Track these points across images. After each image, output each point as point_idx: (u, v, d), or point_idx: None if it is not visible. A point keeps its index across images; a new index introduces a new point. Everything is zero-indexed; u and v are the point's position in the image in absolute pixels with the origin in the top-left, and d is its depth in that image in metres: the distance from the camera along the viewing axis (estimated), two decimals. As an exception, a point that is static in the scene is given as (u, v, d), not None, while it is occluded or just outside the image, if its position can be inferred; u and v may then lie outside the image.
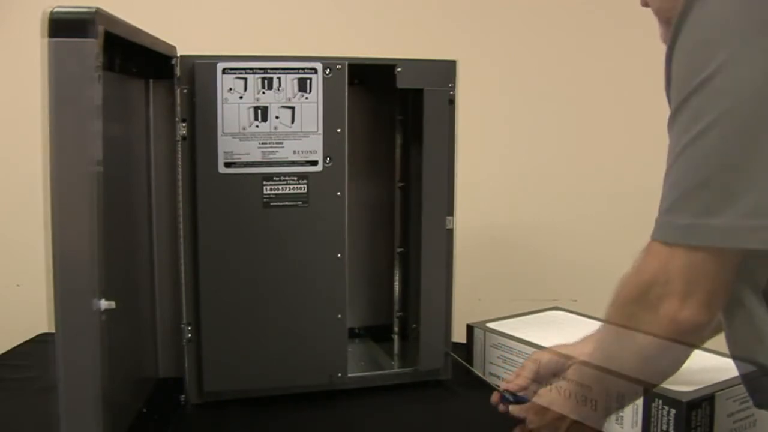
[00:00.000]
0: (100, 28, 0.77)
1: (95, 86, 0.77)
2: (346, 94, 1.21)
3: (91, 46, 0.76)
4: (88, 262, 0.79)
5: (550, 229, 1.65)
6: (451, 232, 1.31)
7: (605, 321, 0.80)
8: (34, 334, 1.47)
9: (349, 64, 1.22)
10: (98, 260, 0.79)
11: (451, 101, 1.28)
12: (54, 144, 0.77)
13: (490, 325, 1.36)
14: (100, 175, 0.79)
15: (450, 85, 1.27)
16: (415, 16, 1.86)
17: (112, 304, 0.81)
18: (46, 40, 0.76)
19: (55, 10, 0.76)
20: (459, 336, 1.37)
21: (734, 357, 0.77)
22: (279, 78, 1.19)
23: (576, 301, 1.58)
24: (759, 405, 0.82)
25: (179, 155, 1.19)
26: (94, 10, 0.76)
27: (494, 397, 1.05)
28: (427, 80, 1.26)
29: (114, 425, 0.91)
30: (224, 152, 1.18)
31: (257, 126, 1.19)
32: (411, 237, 1.39)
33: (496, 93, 1.83)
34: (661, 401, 0.97)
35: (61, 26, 0.75)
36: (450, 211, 1.31)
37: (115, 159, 1.06)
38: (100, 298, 0.80)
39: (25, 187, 1.29)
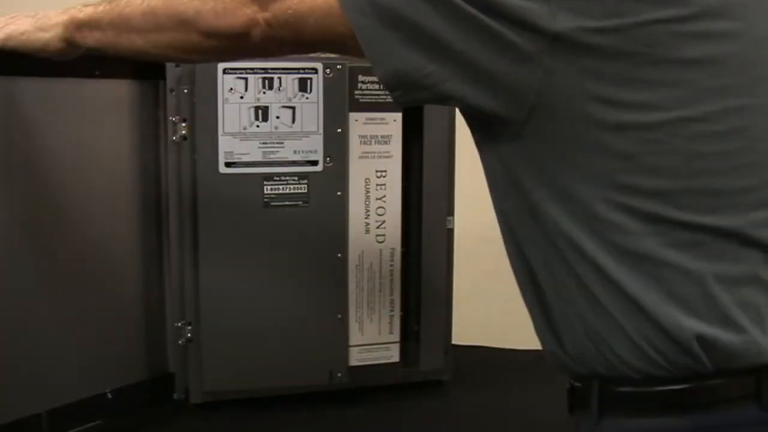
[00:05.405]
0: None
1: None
2: (347, 94, 1.21)
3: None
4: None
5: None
6: (451, 231, 1.31)
7: None
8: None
9: (350, 66, 1.21)
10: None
11: (452, 100, 1.27)
12: None
13: None
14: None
15: (451, 83, 1.27)
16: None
17: None
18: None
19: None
20: (458, 337, 1.36)
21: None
22: (279, 78, 1.18)
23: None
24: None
25: (179, 155, 1.18)
26: None
27: None
28: None
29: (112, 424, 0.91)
30: (225, 152, 1.18)
31: (258, 126, 1.19)
32: (411, 237, 1.38)
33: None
34: None
35: None
36: (450, 210, 1.30)
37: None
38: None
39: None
